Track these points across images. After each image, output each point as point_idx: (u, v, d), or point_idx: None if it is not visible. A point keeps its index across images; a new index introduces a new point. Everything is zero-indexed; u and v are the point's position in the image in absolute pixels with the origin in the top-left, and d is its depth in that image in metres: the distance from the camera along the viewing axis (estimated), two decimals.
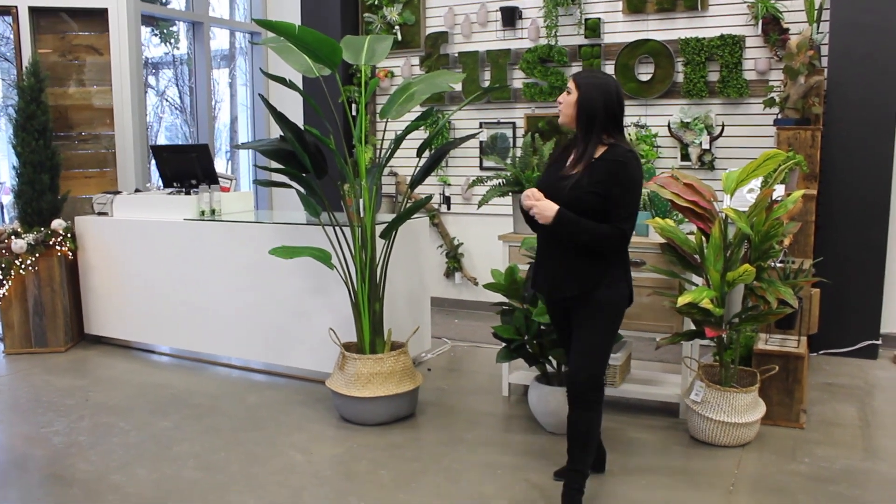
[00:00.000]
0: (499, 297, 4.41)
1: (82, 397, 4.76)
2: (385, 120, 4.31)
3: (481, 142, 6.73)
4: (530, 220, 3.12)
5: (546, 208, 2.99)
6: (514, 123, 6.63)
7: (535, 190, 3.05)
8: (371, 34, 4.60)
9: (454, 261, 6.94)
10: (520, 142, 6.62)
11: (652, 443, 4.00)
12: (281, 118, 4.24)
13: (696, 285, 4.03)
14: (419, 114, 4.89)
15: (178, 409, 4.53)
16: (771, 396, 4.17)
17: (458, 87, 6.72)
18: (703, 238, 3.87)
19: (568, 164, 3.14)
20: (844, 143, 5.37)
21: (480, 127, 6.72)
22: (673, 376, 4.64)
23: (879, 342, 5.51)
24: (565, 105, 3.12)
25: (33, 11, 6.12)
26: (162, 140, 7.53)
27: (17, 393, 4.86)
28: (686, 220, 4.00)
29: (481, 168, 6.79)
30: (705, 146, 5.94)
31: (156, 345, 5.79)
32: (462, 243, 6.96)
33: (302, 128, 4.29)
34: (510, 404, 4.59)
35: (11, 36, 6.21)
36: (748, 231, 3.60)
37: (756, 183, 4.72)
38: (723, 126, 5.90)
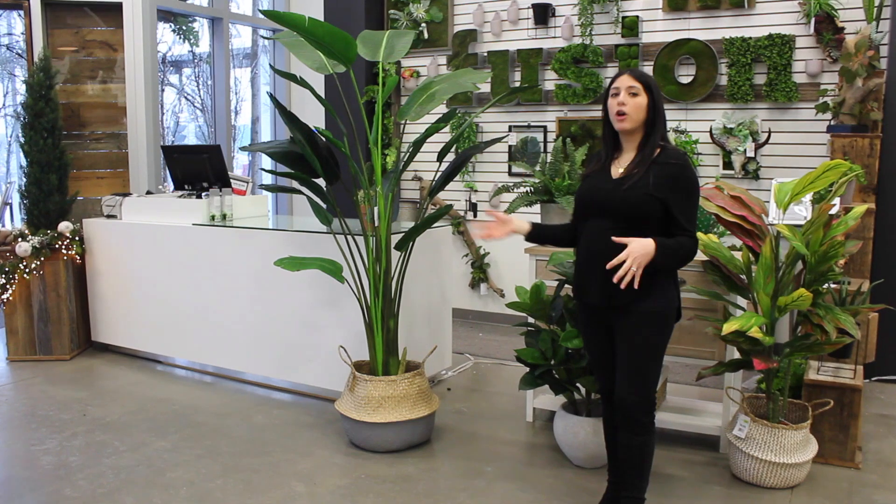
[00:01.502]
0: (520, 315, 4.05)
1: (79, 412, 4.48)
2: (404, 122, 3.98)
3: (510, 146, 6.37)
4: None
5: (644, 246, 2.70)
6: (545, 127, 6.27)
7: (622, 239, 2.74)
8: (388, 31, 4.27)
9: (480, 271, 6.59)
10: (551, 147, 6.25)
11: (690, 480, 3.62)
12: (291, 118, 3.93)
13: (742, 308, 3.65)
14: (440, 115, 4.57)
15: (178, 428, 4.24)
16: (823, 432, 3.76)
17: (487, 88, 6.38)
18: (751, 257, 3.49)
19: (620, 169, 2.91)
20: None
21: (510, 130, 6.37)
22: (713, 405, 4.25)
23: None
24: (634, 108, 2.84)
25: (46, 5, 5.89)
26: (189, 142, 7.28)
27: (13, 405, 4.60)
28: (728, 234, 3.62)
29: (510, 174, 6.45)
30: (750, 154, 5.53)
31: (163, 355, 5.51)
32: (488, 253, 6.61)
33: (314, 129, 3.97)
34: (534, 431, 4.24)
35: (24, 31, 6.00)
36: (803, 251, 3.20)
37: (807, 196, 4.34)
38: (769, 132, 5.48)
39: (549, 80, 6.23)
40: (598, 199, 2.90)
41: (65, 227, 5.46)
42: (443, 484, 3.57)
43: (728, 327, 3.17)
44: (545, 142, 6.27)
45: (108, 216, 5.60)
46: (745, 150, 5.52)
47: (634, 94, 2.84)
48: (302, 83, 3.89)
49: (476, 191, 6.59)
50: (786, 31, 5.40)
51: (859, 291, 3.78)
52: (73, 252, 5.49)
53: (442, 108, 6.34)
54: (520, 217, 3.30)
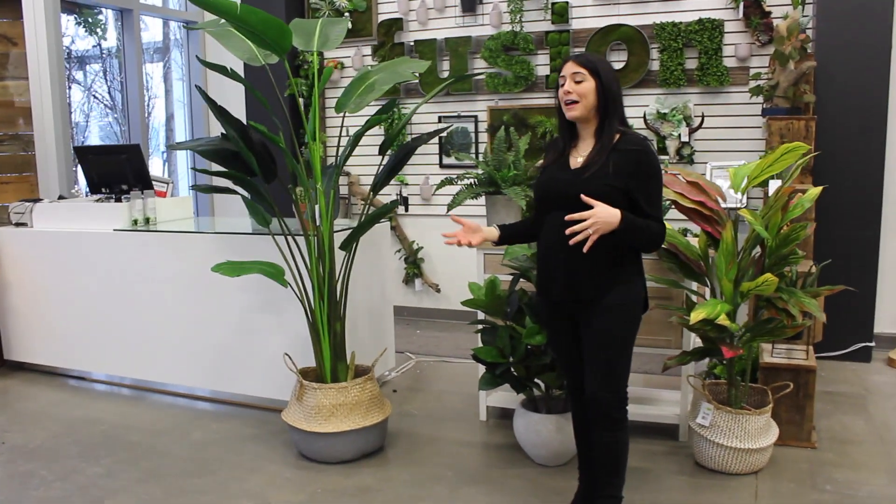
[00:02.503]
0: (463, 308, 3.89)
1: None
2: (343, 114, 3.78)
3: (440, 137, 6.21)
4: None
5: (610, 215, 2.59)
6: (475, 117, 6.13)
7: (588, 200, 2.60)
8: (321, 19, 4.05)
9: (414, 266, 6.42)
10: (483, 137, 6.13)
11: (653, 471, 3.55)
12: (222, 113, 3.67)
13: (699, 295, 3.60)
14: (378, 107, 4.38)
15: (111, 451, 3.93)
16: (780, 414, 3.75)
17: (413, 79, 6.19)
18: (709, 243, 3.43)
19: (578, 158, 2.78)
20: (834, 135, 4.98)
21: (439, 121, 6.21)
22: (667, 392, 4.20)
23: (873, 344, 5.18)
24: (582, 94, 2.72)
25: None
26: (95, 142, 6.83)
27: None
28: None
29: (441, 166, 6.29)
30: (684, 138, 5.53)
31: (86, 371, 5.14)
32: (422, 247, 6.44)
33: (246, 124, 3.73)
34: (489, 431, 4.10)
35: None
36: (765, 234, 3.16)
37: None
38: (702, 117, 5.49)
39: (479, 69, 6.09)
40: (557, 191, 2.78)
41: None
42: (404, 492, 3.40)
43: (696, 316, 3.10)
44: (476, 132, 6.13)
45: (17, 224, 5.18)
46: (680, 134, 5.50)
47: (580, 81, 2.73)
48: (232, 75, 3.63)
49: (406, 184, 6.41)
50: (715, 16, 5.41)
51: (809, 273, 3.78)
52: None
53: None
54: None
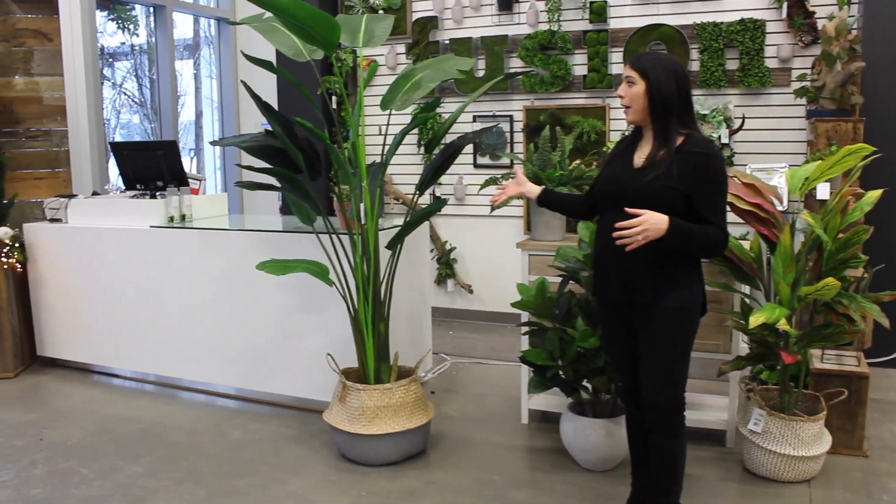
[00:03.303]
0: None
1: (35, 436, 4.09)
2: (389, 112, 3.72)
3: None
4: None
5: (658, 221, 2.53)
6: (511, 116, 6.07)
7: (634, 210, 2.55)
8: (366, 14, 4.00)
9: (447, 267, 6.36)
10: (518, 136, 6.06)
11: (704, 479, 3.48)
12: (268, 109, 3.63)
13: (751, 298, 3.52)
14: (417, 105, 4.33)
15: (149, 449, 3.89)
16: (831, 421, 3.66)
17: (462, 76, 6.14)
18: (765, 245, 3.36)
19: (642, 159, 2.71)
20: (882, 137, 4.87)
21: (474, 120, 6.15)
22: (713, 397, 4.12)
23: None
24: (632, 98, 2.68)
25: None
26: (124, 138, 6.81)
27: None
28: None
29: (475, 166, 6.23)
30: (724, 140, 5.43)
31: (119, 368, 5.10)
32: (455, 248, 6.38)
33: (294, 120, 3.67)
34: (532, 434, 4.04)
35: None
36: (826, 238, 3.08)
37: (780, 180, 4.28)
38: (743, 118, 5.40)
39: (515, 68, 6.02)
40: (616, 189, 2.73)
41: (4, 232, 5.01)
42: (450, 497, 3.34)
43: (755, 320, 3.02)
44: (512, 131, 6.07)
45: (52, 220, 5.16)
46: (720, 136, 5.42)
47: (631, 84, 2.68)
48: (279, 71, 3.59)
49: (440, 184, 6.34)
50: (757, 16, 5.32)
51: (862, 277, 3.69)
52: (14, 260, 5.04)
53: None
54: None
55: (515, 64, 6.02)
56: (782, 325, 3.01)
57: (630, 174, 2.70)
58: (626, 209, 2.55)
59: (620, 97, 2.71)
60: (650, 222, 2.51)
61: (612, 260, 2.75)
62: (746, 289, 3.58)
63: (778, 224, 3.27)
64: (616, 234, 2.55)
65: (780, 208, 3.39)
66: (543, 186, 3.23)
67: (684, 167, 2.59)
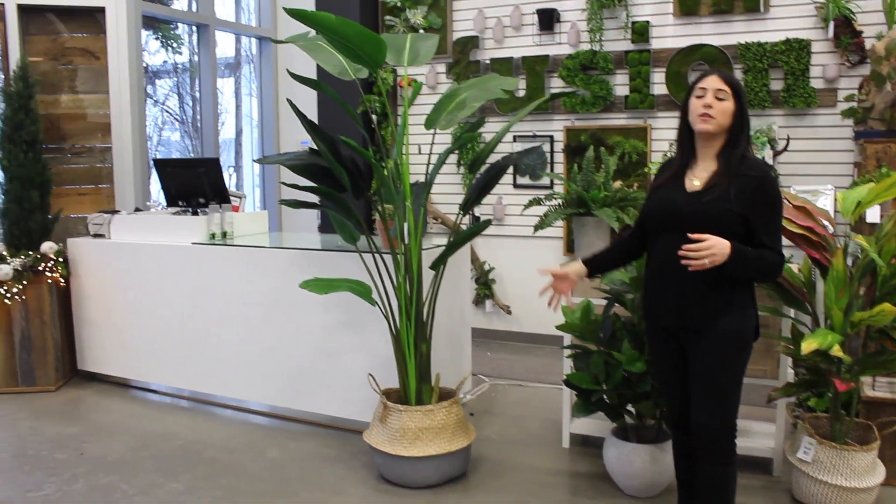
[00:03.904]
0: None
1: (76, 450, 4.11)
2: (433, 131, 3.71)
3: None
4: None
5: (723, 245, 2.49)
6: (551, 136, 6.04)
7: (699, 235, 2.51)
8: (411, 34, 4.00)
9: (485, 287, 6.32)
10: (558, 157, 6.03)
11: None
12: (313, 127, 3.63)
13: (801, 323, 3.44)
14: (459, 126, 4.32)
15: (188, 466, 3.89)
16: (884, 452, 3.55)
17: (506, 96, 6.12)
18: (816, 269, 3.28)
19: (695, 181, 2.68)
20: None
21: (514, 140, 6.13)
22: (759, 424, 4.02)
23: None
24: (721, 113, 2.62)
25: (22, 10, 5.50)
26: (165, 155, 6.89)
27: (0, 444, 4.21)
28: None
29: (515, 186, 6.20)
30: (768, 161, 5.36)
31: (158, 384, 5.13)
32: (493, 268, 6.34)
33: (339, 139, 3.67)
34: (573, 458, 3.97)
35: None
36: (881, 263, 3.01)
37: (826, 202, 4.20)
38: (787, 139, 5.32)
39: (555, 88, 6.00)
40: (672, 214, 2.67)
41: (48, 247, 5.07)
42: None
43: (808, 346, 2.95)
44: (552, 151, 6.04)
45: (95, 235, 5.22)
46: (764, 157, 5.34)
47: (722, 99, 2.63)
48: (325, 89, 3.60)
49: (480, 204, 6.30)
50: (803, 36, 5.25)
51: None
52: (58, 274, 5.10)
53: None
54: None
55: (556, 84, 5.99)
56: (836, 351, 2.93)
57: (685, 197, 2.65)
58: (689, 234, 2.51)
59: (708, 106, 2.63)
60: (716, 247, 2.47)
61: (665, 283, 2.70)
62: (793, 313, 3.51)
63: (830, 248, 3.20)
64: (682, 253, 2.50)
65: (830, 231, 3.31)
66: (579, 260, 3.07)
67: (741, 190, 2.56)
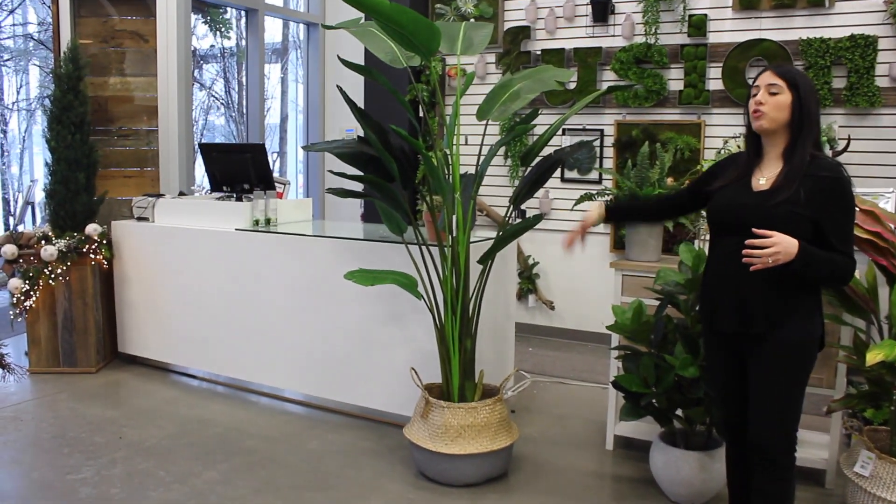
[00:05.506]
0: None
1: (115, 434, 4.09)
2: (486, 122, 3.61)
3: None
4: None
5: (790, 244, 2.39)
6: (601, 131, 5.90)
7: (764, 231, 2.41)
8: (464, 22, 3.91)
9: (528, 282, 6.21)
10: (608, 151, 5.89)
11: None
12: (363, 115, 3.56)
13: (864, 332, 3.29)
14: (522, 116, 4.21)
15: (227, 455, 3.85)
16: None
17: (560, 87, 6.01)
18: (884, 277, 3.13)
19: (761, 179, 2.57)
20: None
21: (563, 133, 6.01)
22: (812, 434, 3.87)
23: None
24: (775, 107, 2.50)
25: None
26: (210, 140, 6.87)
27: (40, 424, 4.21)
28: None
29: (563, 180, 6.07)
30: None
31: (198, 369, 5.11)
32: (538, 262, 6.23)
33: (388, 128, 3.59)
34: (617, 461, 3.86)
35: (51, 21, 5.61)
36: None
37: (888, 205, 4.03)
38: (848, 139, 5.12)
39: (607, 81, 5.86)
40: (737, 215, 2.56)
41: (93, 229, 5.07)
42: None
43: (872, 357, 2.81)
44: (602, 146, 5.90)
45: (139, 218, 5.21)
46: None
47: (775, 93, 2.51)
48: (375, 76, 3.52)
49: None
50: (868, 32, 5.05)
51: None
52: (101, 256, 5.10)
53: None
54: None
55: (608, 77, 5.86)
56: None
57: (751, 197, 2.53)
58: (754, 230, 2.40)
59: (759, 103, 2.52)
60: (782, 245, 2.36)
61: (726, 286, 2.59)
62: (854, 321, 3.36)
63: None
64: (745, 251, 2.40)
65: None
66: (599, 203, 3.20)
67: (812, 191, 2.44)
